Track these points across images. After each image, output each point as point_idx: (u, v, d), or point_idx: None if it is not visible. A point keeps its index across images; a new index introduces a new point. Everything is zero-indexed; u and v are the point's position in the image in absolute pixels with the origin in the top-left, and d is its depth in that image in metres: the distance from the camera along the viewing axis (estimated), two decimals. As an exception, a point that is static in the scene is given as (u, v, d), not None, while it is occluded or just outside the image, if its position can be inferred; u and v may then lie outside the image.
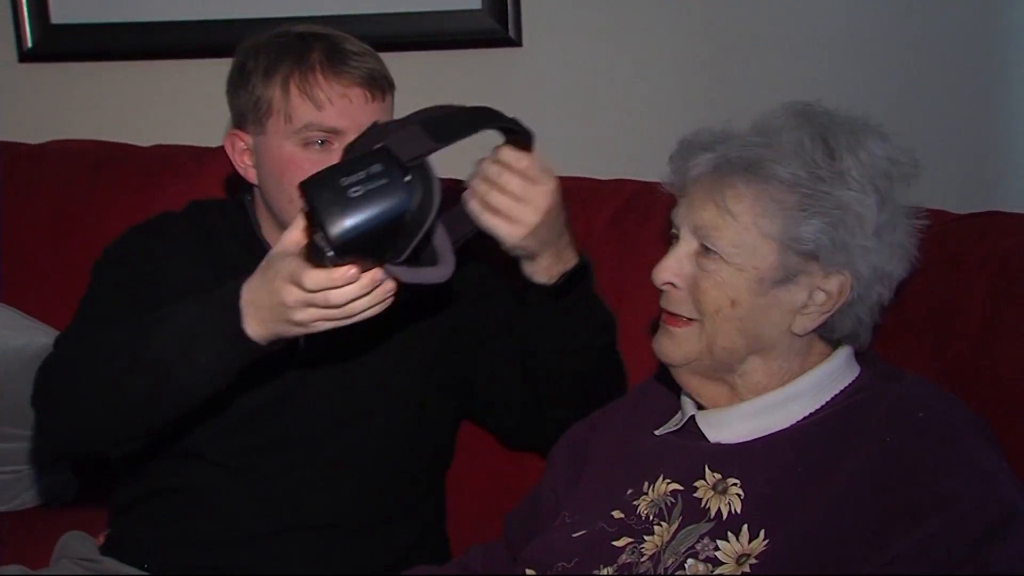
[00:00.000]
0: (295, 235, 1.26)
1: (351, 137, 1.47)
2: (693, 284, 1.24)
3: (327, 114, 1.50)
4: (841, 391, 1.24)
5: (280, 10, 2.15)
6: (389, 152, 1.20)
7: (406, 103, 2.06)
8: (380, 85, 1.53)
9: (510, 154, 1.39)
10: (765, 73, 2.07)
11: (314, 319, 1.25)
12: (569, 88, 2.14)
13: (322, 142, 1.51)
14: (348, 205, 1.16)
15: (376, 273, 1.21)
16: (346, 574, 1.57)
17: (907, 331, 1.43)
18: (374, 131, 1.31)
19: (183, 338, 1.31)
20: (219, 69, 2.22)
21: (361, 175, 1.18)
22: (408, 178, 1.19)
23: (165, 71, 2.26)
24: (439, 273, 1.24)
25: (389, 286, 1.23)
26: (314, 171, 1.45)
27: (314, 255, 1.21)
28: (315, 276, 1.20)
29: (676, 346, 1.26)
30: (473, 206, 1.39)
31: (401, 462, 1.61)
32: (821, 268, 1.21)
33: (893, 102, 2.03)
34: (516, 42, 2.12)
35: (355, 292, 1.21)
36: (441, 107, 1.31)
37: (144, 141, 2.15)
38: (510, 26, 2.11)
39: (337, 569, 1.57)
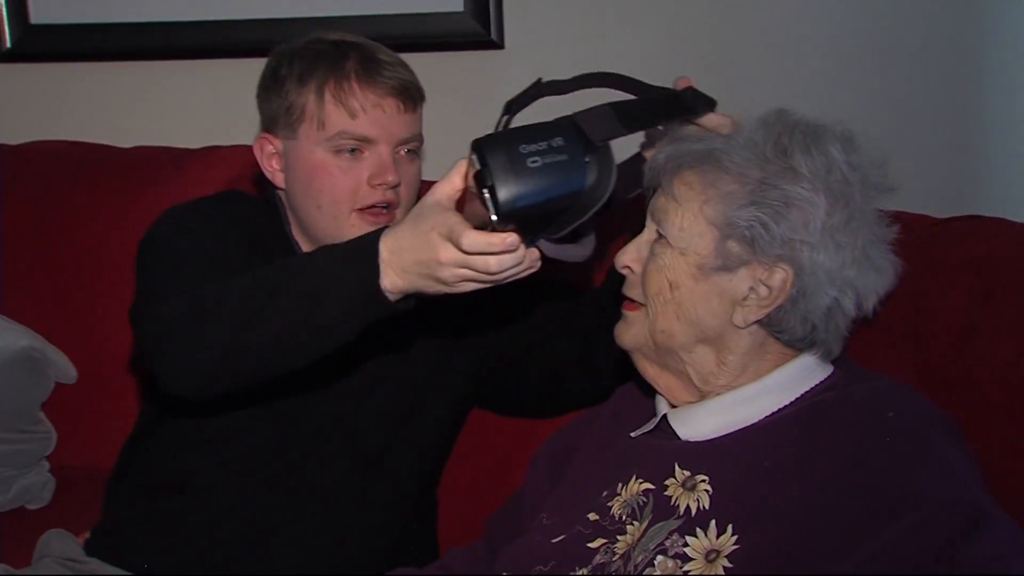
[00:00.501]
0: (451, 187, 1.20)
1: (382, 147, 1.52)
2: (644, 268, 1.28)
3: (360, 123, 1.51)
4: (811, 388, 1.25)
5: (263, 11, 2.16)
6: (575, 127, 1.17)
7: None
8: (412, 96, 1.56)
9: (713, 120, 1.36)
10: (747, 78, 2.07)
11: (461, 279, 1.20)
12: (552, 91, 2.15)
13: (353, 150, 1.52)
14: (524, 174, 1.13)
15: (533, 254, 1.18)
16: (340, 574, 1.57)
17: (886, 334, 1.43)
18: (535, 89, 1.30)
19: (312, 292, 1.26)
20: (200, 70, 2.24)
21: (542, 145, 1.15)
22: (588, 159, 1.16)
23: (146, 72, 2.25)
24: (581, 252, 1.23)
25: (537, 254, 1.19)
26: (344, 179, 1.51)
27: (472, 215, 1.18)
28: (474, 238, 1.16)
29: (626, 329, 1.30)
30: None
31: (412, 463, 1.63)
32: (763, 262, 1.22)
33: (873, 107, 2.05)
34: (499, 44, 2.13)
35: (511, 261, 1.17)
36: (635, 82, 1.30)
37: (124, 142, 2.15)
38: (492, 28, 2.12)
39: (330, 568, 1.57)
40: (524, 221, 1.16)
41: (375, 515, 1.61)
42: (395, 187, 1.53)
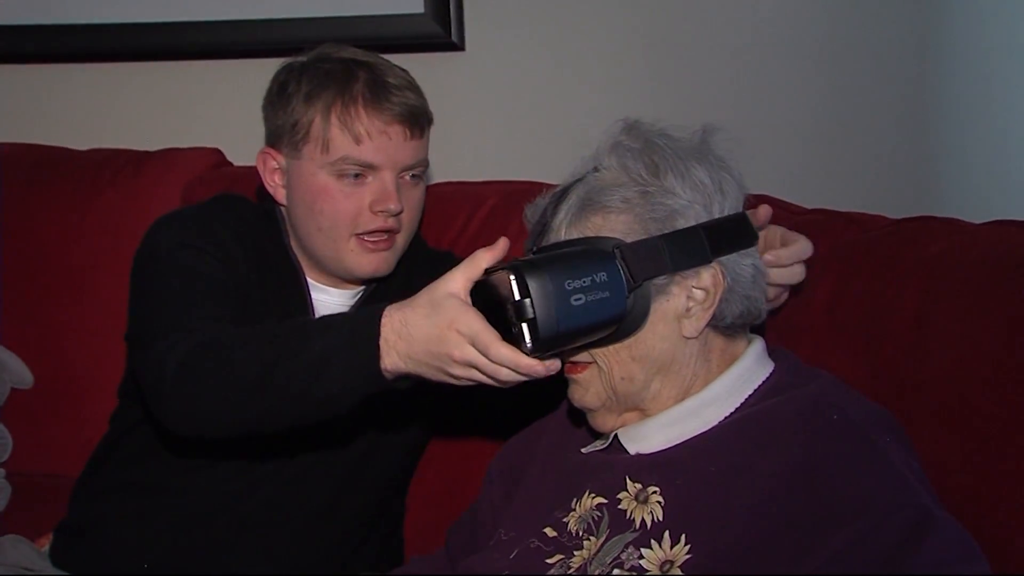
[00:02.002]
0: (468, 279, 1.20)
1: (386, 173, 1.51)
2: None
3: (365, 149, 1.50)
4: (755, 391, 1.26)
5: (221, 14, 2.15)
6: (621, 260, 1.18)
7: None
8: (420, 122, 1.55)
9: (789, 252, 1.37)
10: (707, 77, 2.08)
11: (469, 379, 1.21)
12: (512, 92, 2.15)
13: (356, 175, 1.52)
14: (566, 312, 1.14)
15: (554, 364, 1.19)
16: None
17: (840, 334, 1.45)
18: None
19: (314, 366, 1.26)
20: (159, 72, 2.23)
21: (586, 281, 1.15)
22: (629, 296, 1.18)
23: (103, 74, 2.23)
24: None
25: (557, 365, 1.20)
26: (345, 203, 1.50)
27: (504, 330, 1.17)
28: (505, 354, 1.16)
29: (584, 391, 1.27)
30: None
31: (384, 472, 1.63)
32: (684, 273, 1.22)
33: (830, 107, 2.07)
34: (459, 46, 2.13)
35: (526, 378, 1.18)
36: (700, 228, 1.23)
37: (81, 145, 2.14)
38: (453, 30, 2.11)
39: (292, 571, 1.58)
40: (557, 351, 1.17)
41: (345, 524, 1.61)
42: (397, 214, 1.53)
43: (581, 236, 1.23)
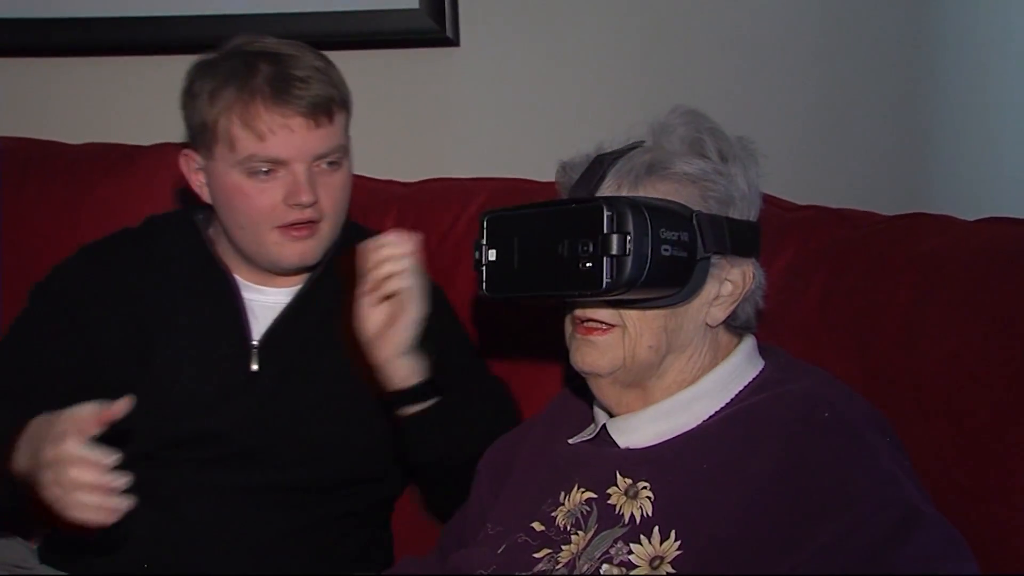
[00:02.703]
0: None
1: (296, 166, 1.52)
2: None
3: (269, 145, 1.51)
4: (745, 387, 1.26)
5: (214, 7, 2.14)
6: (698, 228, 1.20)
7: (354, 95, 2.08)
8: (326, 110, 1.53)
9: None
10: (701, 73, 2.07)
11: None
12: (507, 88, 2.14)
13: (266, 171, 1.52)
14: (656, 259, 1.15)
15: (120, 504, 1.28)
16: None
17: (831, 331, 1.45)
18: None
19: None
20: (151, 66, 2.23)
21: (674, 236, 1.17)
22: (697, 265, 1.20)
23: (96, 68, 2.22)
24: None
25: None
26: (259, 200, 1.53)
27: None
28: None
29: (601, 355, 1.26)
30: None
31: (354, 477, 1.61)
32: (732, 259, 1.25)
33: (820, 102, 2.07)
34: (453, 42, 2.12)
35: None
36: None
37: (74, 139, 2.13)
38: (447, 25, 2.10)
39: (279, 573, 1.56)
40: (623, 295, 1.17)
41: (324, 525, 1.60)
42: (312, 204, 1.53)
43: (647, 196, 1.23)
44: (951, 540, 1.11)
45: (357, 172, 1.97)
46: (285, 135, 1.51)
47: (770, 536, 1.12)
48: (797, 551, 1.10)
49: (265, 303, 1.61)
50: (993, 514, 1.24)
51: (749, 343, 1.31)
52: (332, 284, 1.60)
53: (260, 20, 2.13)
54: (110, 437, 1.53)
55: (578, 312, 1.27)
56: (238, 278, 1.62)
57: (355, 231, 1.66)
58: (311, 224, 1.55)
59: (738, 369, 1.28)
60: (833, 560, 1.08)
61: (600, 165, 1.27)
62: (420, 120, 2.17)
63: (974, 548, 1.14)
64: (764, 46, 2.07)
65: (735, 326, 1.30)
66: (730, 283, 1.26)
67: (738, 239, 1.24)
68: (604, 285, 1.14)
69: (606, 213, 1.14)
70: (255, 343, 1.59)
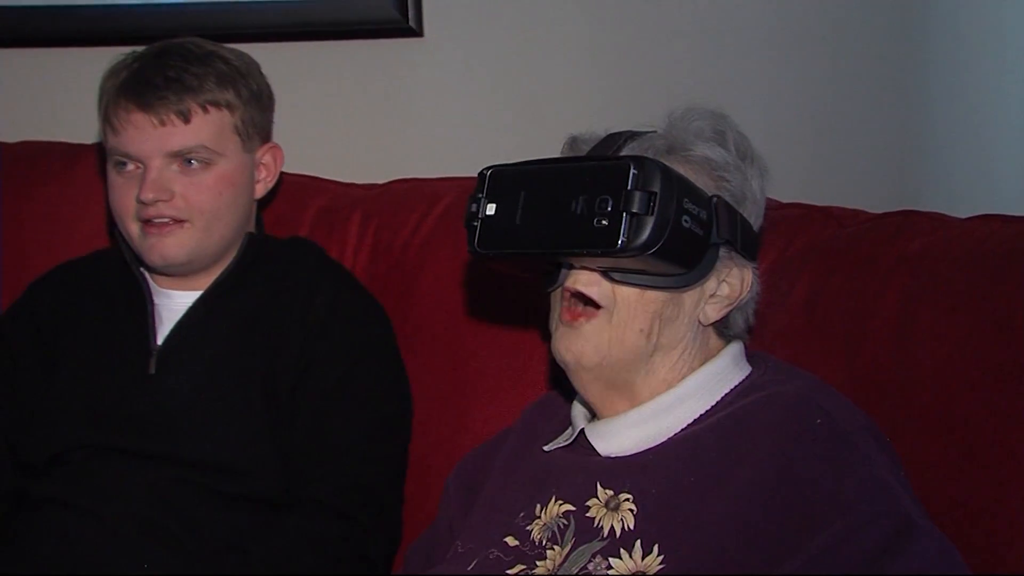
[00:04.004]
0: None
1: (147, 162, 1.63)
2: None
3: (121, 138, 1.64)
4: (731, 390, 1.27)
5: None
6: (715, 211, 1.21)
7: (302, 96, 2.09)
8: (178, 110, 1.63)
9: None
10: (680, 66, 2.08)
11: None
12: (475, 82, 2.14)
13: (125, 165, 1.65)
14: (677, 226, 1.15)
15: None
16: None
17: (818, 336, 1.46)
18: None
19: None
20: (94, 58, 2.20)
21: (695, 211, 1.17)
22: (710, 247, 1.21)
23: (34, 60, 2.21)
24: None
25: None
26: (118, 193, 1.66)
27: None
28: None
29: (586, 341, 1.25)
30: None
31: (253, 491, 1.61)
32: (732, 257, 1.27)
33: (805, 96, 2.08)
34: (417, 32, 2.12)
35: None
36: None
37: (9, 137, 2.12)
38: (411, 15, 2.10)
39: None
40: (638, 256, 1.16)
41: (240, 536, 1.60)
42: (166, 201, 1.62)
43: None
44: (945, 552, 1.12)
45: (315, 173, 1.99)
46: (132, 131, 1.63)
47: (758, 548, 1.13)
48: (786, 563, 1.11)
49: (171, 307, 1.70)
50: (988, 527, 1.25)
51: (736, 347, 1.32)
52: (238, 289, 1.70)
53: (212, 9, 2.12)
54: (15, 444, 1.64)
55: (568, 284, 1.25)
56: (152, 282, 1.72)
57: (257, 241, 1.75)
58: (175, 222, 1.64)
59: (724, 371, 1.29)
60: (824, 572, 1.09)
61: (616, 140, 1.27)
62: (382, 117, 2.17)
63: (969, 561, 1.15)
64: (747, 36, 2.09)
65: (725, 334, 1.32)
66: (728, 285, 1.27)
67: (746, 240, 1.26)
68: (619, 243, 1.13)
69: (632, 170, 1.14)
70: (157, 346, 1.67)
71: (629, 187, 1.13)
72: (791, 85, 2.07)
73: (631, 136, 1.29)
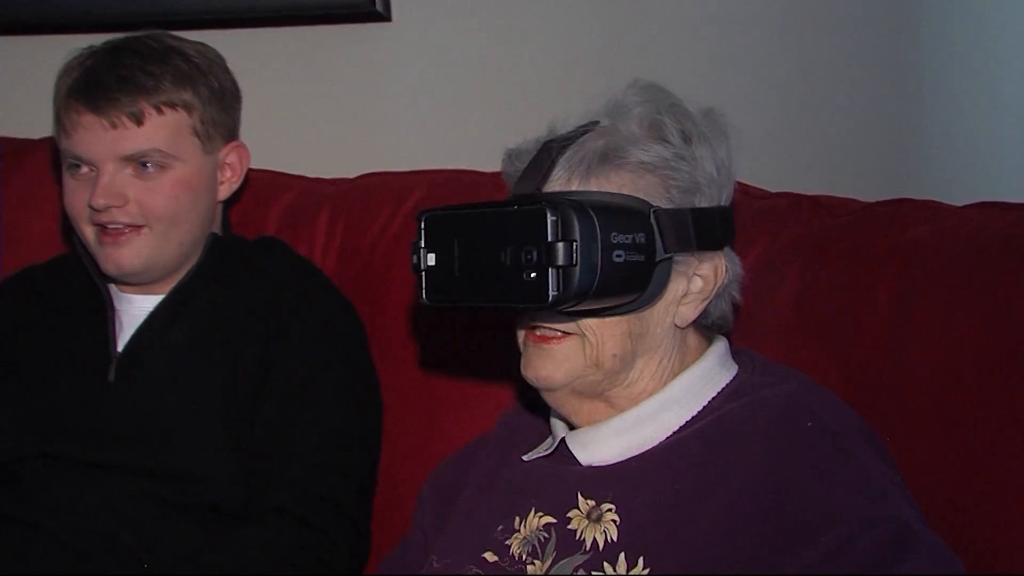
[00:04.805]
0: None
1: (99, 166, 1.62)
2: None
3: (72, 141, 1.64)
4: (718, 393, 1.27)
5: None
6: (656, 225, 1.20)
7: (264, 86, 2.07)
8: (131, 113, 1.62)
9: None
10: (661, 50, 2.07)
11: None
12: (446, 68, 2.13)
13: (78, 167, 1.65)
14: (608, 267, 1.14)
15: None
16: None
17: (808, 332, 1.46)
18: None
19: None
20: (42, 47, 2.19)
21: (628, 239, 1.16)
22: (657, 267, 1.20)
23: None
24: None
25: None
26: (71, 198, 1.67)
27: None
28: None
29: (557, 365, 1.25)
30: None
31: (213, 500, 1.61)
32: (694, 255, 1.25)
33: (792, 79, 2.08)
34: (385, 16, 2.11)
35: None
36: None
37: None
38: (378, -1, 2.10)
39: None
40: (572, 308, 1.16)
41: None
42: (120, 207, 1.62)
43: (600, 190, 1.23)
44: (945, 561, 1.12)
45: (280, 168, 1.98)
46: (83, 133, 1.63)
47: (748, 560, 1.12)
48: (779, 572, 1.10)
49: (132, 312, 1.70)
50: (990, 533, 1.25)
51: (721, 346, 1.32)
52: (201, 293, 1.70)
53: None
54: None
55: (527, 320, 1.27)
56: (112, 288, 1.71)
57: (224, 243, 1.74)
58: (127, 229, 1.64)
59: (709, 374, 1.28)
60: (818, 582, 1.08)
61: (548, 154, 1.26)
62: (349, 107, 2.16)
63: (969, 568, 1.14)
64: (731, 15, 2.08)
65: (706, 325, 1.30)
66: (700, 279, 1.26)
67: (705, 231, 1.24)
68: (551, 298, 1.14)
69: (550, 218, 1.13)
70: (117, 353, 1.67)
71: (550, 238, 1.13)
72: (776, 66, 2.07)
73: (564, 144, 1.27)
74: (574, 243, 1.13)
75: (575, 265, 1.12)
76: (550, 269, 1.13)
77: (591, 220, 1.14)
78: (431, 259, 1.23)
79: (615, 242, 1.15)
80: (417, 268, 1.26)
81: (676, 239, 1.21)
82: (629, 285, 1.19)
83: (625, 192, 1.22)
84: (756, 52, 2.08)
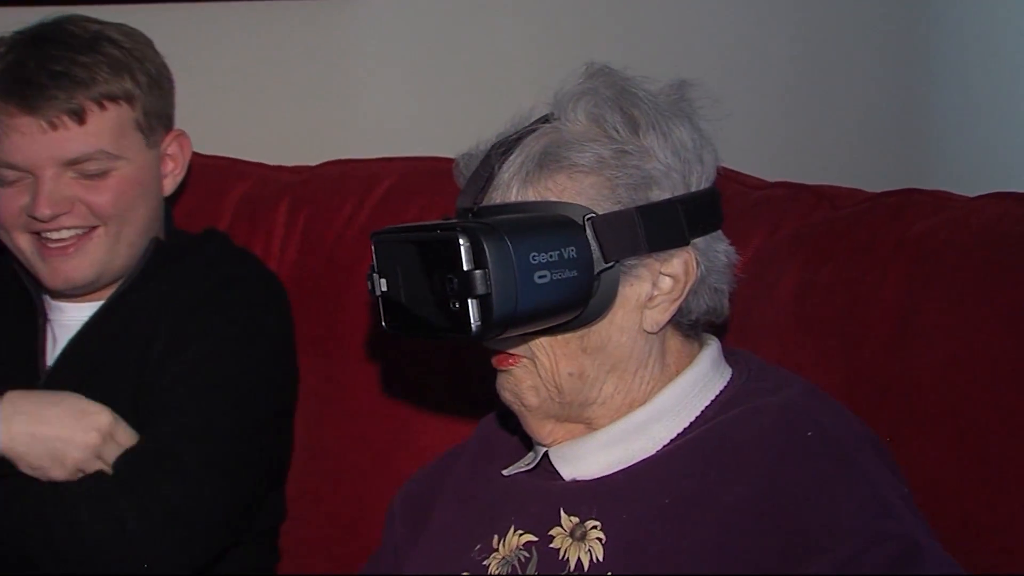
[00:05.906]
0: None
1: (39, 172, 1.58)
2: None
3: (4, 147, 1.58)
4: (711, 402, 1.26)
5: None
6: (593, 233, 1.19)
7: (218, 66, 2.06)
8: (71, 111, 1.57)
9: None
10: (653, 31, 2.09)
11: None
12: (414, 47, 2.15)
13: (11, 178, 1.60)
14: (528, 291, 1.14)
15: None
16: None
17: (809, 331, 1.46)
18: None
19: None
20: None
21: (553, 256, 1.16)
22: (598, 278, 1.19)
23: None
24: None
25: None
26: (7, 206, 1.61)
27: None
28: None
29: (517, 383, 1.26)
30: None
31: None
32: (659, 254, 1.23)
33: (793, 64, 2.10)
34: (349, -10, 2.12)
35: None
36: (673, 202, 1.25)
37: None
38: (342, -27, 2.11)
39: None
40: (501, 335, 1.17)
41: None
42: (68, 212, 1.59)
43: (540, 199, 1.22)
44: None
45: (237, 156, 1.97)
46: (17, 138, 1.58)
47: (746, 577, 1.12)
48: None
49: (65, 323, 1.68)
50: (1002, 545, 1.25)
51: (712, 349, 1.30)
52: (140, 301, 1.67)
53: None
54: None
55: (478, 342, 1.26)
56: (46, 296, 1.70)
57: (168, 245, 1.72)
58: (75, 238, 1.61)
59: (701, 381, 1.27)
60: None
61: (488, 162, 1.26)
62: (311, 89, 2.17)
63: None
64: (748, 12, 2.10)
65: (691, 324, 1.28)
66: (669, 278, 1.24)
67: (660, 228, 1.22)
68: (474, 329, 1.14)
69: (463, 244, 1.14)
70: (46, 369, 1.67)
71: (465, 267, 1.14)
72: (776, 50, 2.08)
73: (505, 149, 1.26)
74: (486, 271, 1.13)
75: (488, 294, 1.13)
76: (469, 300, 1.14)
77: (504, 244, 1.14)
78: (384, 285, 1.24)
79: (535, 262, 1.15)
80: (373, 293, 1.26)
81: (620, 245, 1.20)
82: (564, 304, 1.18)
83: (566, 198, 1.21)
84: (754, 32, 2.09)
